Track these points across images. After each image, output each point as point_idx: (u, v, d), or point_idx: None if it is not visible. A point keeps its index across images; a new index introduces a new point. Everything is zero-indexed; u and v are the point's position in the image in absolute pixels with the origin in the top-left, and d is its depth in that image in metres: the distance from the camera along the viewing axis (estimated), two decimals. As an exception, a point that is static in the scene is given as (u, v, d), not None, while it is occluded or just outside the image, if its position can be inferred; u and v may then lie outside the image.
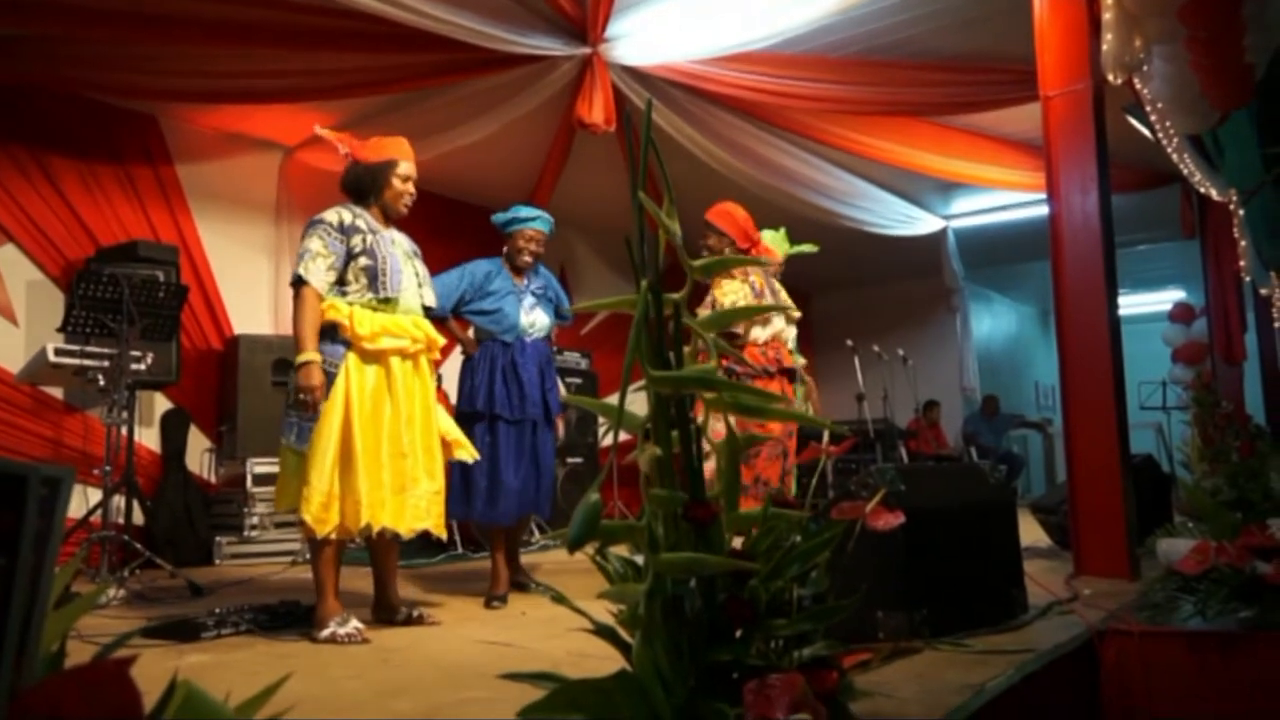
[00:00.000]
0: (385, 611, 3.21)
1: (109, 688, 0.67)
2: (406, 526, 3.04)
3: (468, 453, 3.36)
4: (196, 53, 4.90)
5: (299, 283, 3.02)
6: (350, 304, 3.07)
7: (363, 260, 3.08)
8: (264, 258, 6.34)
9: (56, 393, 5.20)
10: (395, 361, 3.08)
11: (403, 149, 3.27)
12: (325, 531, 2.89)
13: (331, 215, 3.13)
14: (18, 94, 5.15)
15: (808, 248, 4.37)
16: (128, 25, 4.45)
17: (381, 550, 3.23)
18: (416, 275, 3.25)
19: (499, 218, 4.03)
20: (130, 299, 4.24)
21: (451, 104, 5.63)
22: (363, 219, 3.17)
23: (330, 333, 3.03)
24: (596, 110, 5.08)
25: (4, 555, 0.64)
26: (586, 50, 5.12)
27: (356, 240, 3.10)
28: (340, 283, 3.09)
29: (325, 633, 2.87)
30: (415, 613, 3.19)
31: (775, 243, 4.23)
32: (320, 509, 2.90)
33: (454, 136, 5.86)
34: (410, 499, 3.05)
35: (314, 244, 3.05)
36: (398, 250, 3.19)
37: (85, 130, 5.48)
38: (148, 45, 4.82)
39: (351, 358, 3.02)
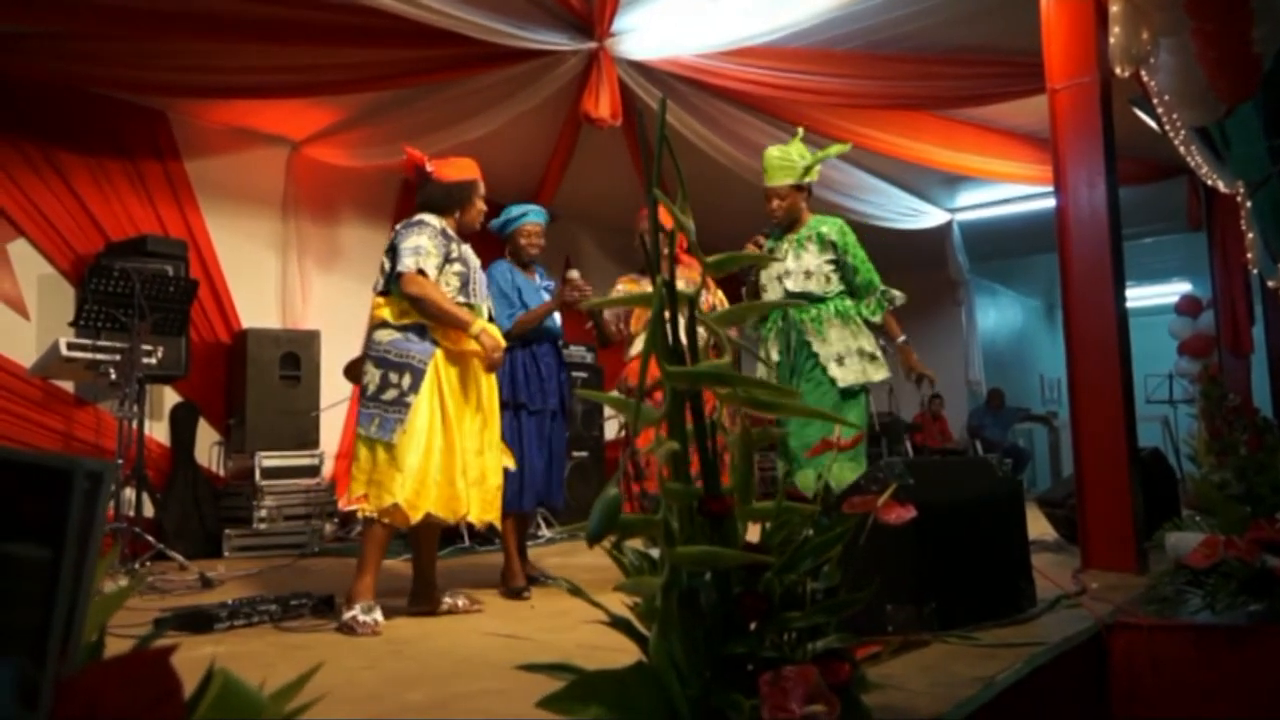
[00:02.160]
0: (427, 603, 3.27)
1: (150, 676, 0.69)
2: (478, 517, 3.26)
3: (510, 461, 3.54)
4: (205, 48, 4.92)
5: (420, 274, 3.14)
6: None
7: (457, 266, 3.27)
8: (271, 252, 6.37)
9: (67, 386, 5.23)
10: (475, 363, 3.27)
11: (477, 170, 3.51)
12: (417, 517, 3.05)
13: (434, 220, 3.29)
14: (28, 89, 5.17)
15: (837, 148, 3.94)
16: (137, 21, 4.47)
17: (428, 541, 3.35)
18: (485, 287, 3.49)
19: (496, 224, 4.10)
20: (141, 294, 4.27)
21: (458, 99, 5.63)
22: (449, 229, 3.35)
23: (421, 330, 3.18)
24: (603, 105, 5.09)
25: (49, 548, 0.66)
26: (593, 45, 5.13)
27: (453, 247, 3.28)
28: None
29: (349, 614, 2.93)
30: (461, 602, 3.30)
31: (787, 156, 3.76)
32: (415, 495, 3.03)
33: (460, 131, 5.86)
34: (483, 492, 3.26)
35: (426, 242, 3.19)
36: (476, 262, 3.41)
37: (95, 125, 5.50)
38: (157, 41, 4.84)
39: (440, 355, 3.18)
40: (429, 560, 3.36)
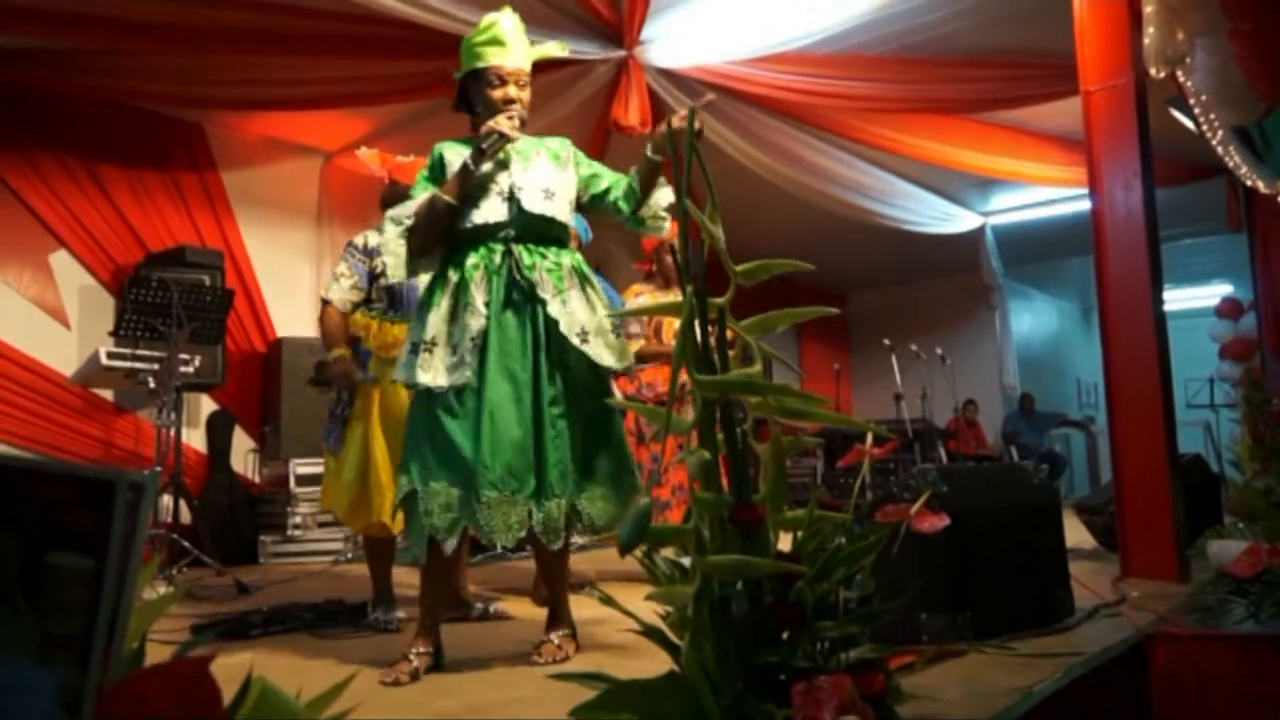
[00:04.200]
0: (458, 608, 3.29)
1: (190, 684, 0.70)
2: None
3: None
4: (241, 62, 5.00)
5: (325, 303, 3.32)
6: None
7: (384, 280, 3.29)
8: (306, 261, 6.45)
9: (107, 394, 5.33)
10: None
11: None
12: (356, 529, 3.22)
13: (365, 236, 3.36)
14: (70, 105, 5.29)
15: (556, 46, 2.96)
16: (174, 37, 4.56)
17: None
18: None
19: None
20: (179, 303, 4.34)
21: (488, 108, 5.66)
22: None
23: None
24: (632, 113, 5.10)
25: (93, 557, 0.67)
26: (622, 53, 5.15)
27: (377, 262, 3.28)
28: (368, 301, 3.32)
29: (370, 617, 3.13)
30: (491, 608, 3.32)
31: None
32: (350, 507, 3.20)
33: (491, 140, 5.91)
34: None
35: (341, 266, 3.34)
36: None
37: (134, 139, 5.61)
38: (194, 56, 4.93)
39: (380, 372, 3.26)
40: (456, 565, 3.34)
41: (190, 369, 4.67)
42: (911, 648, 2.20)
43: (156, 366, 4.39)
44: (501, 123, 2.42)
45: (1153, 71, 3.76)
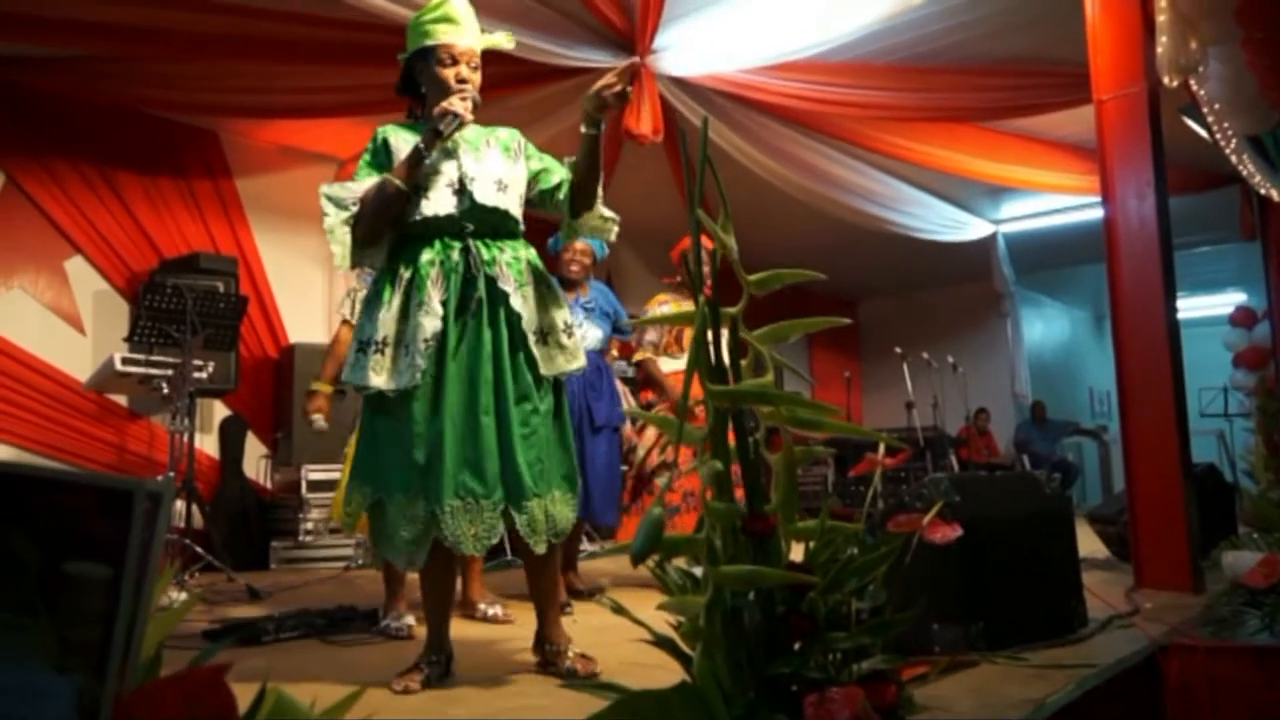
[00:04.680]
0: (465, 608, 3.37)
1: (206, 692, 0.70)
2: None
3: None
4: (256, 70, 5.04)
5: (344, 323, 3.46)
6: None
7: None
8: (318, 268, 6.47)
9: (121, 400, 5.36)
10: None
11: None
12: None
13: None
14: (86, 111, 5.34)
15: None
16: (190, 45, 4.60)
17: None
18: None
19: (551, 244, 4.03)
20: (193, 310, 4.36)
21: (500, 116, 5.67)
22: None
23: None
24: (644, 121, 5.11)
25: (111, 566, 0.68)
26: (634, 61, 5.16)
27: None
28: None
29: (382, 623, 3.16)
30: (492, 611, 3.36)
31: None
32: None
33: (503, 148, 5.93)
34: None
35: (355, 282, 3.43)
36: None
37: (150, 146, 5.66)
38: (209, 64, 4.97)
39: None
40: (467, 566, 3.41)
41: (204, 375, 4.69)
42: (924, 658, 2.19)
43: (170, 372, 4.41)
44: (455, 103, 2.27)
45: (1166, 80, 3.75)
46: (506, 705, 2.11)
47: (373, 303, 2.32)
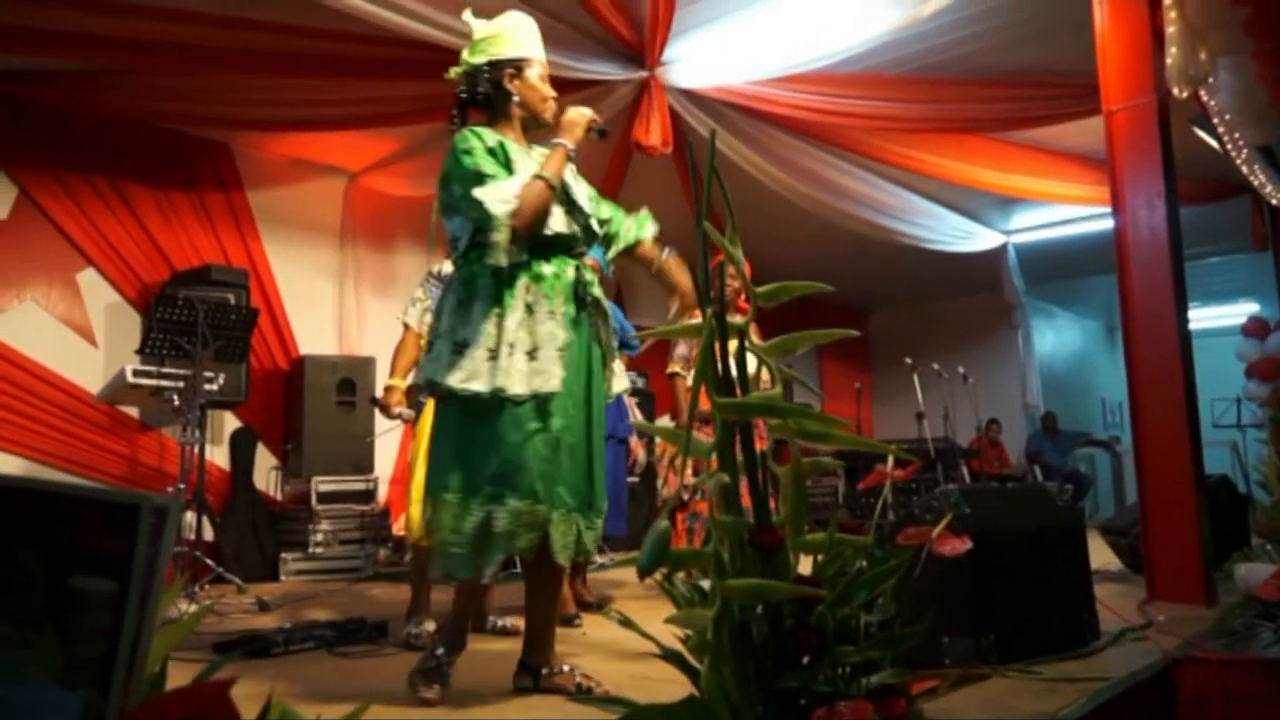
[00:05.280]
0: (475, 620, 3.35)
1: (211, 707, 0.70)
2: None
3: None
4: (267, 84, 5.07)
5: (405, 327, 3.55)
6: None
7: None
8: (329, 280, 6.50)
9: (132, 412, 5.38)
10: None
11: None
12: (413, 538, 3.30)
13: (435, 266, 3.60)
14: (99, 124, 5.38)
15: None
16: (202, 59, 4.63)
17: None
18: None
19: None
20: (205, 322, 4.38)
21: (510, 128, 5.72)
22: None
23: None
24: (654, 133, 5.12)
25: (117, 580, 0.68)
26: (644, 74, 5.17)
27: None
28: None
29: (405, 631, 3.22)
30: (500, 623, 3.38)
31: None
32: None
33: (512, 159, 5.95)
34: None
35: (417, 289, 3.57)
36: None
37: (162, 158, 5.70)
38: (221, 77, 5.01)
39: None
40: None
41: (214, 387, 4.71)
42: (934, 672, 2.17)
43: (181, 384, 4.43)
44: (590, 113, 2.40)
45: (1176, 91, 3.75)
46: (517, 719, 2.11)
47: (484, 305, 2.26)
